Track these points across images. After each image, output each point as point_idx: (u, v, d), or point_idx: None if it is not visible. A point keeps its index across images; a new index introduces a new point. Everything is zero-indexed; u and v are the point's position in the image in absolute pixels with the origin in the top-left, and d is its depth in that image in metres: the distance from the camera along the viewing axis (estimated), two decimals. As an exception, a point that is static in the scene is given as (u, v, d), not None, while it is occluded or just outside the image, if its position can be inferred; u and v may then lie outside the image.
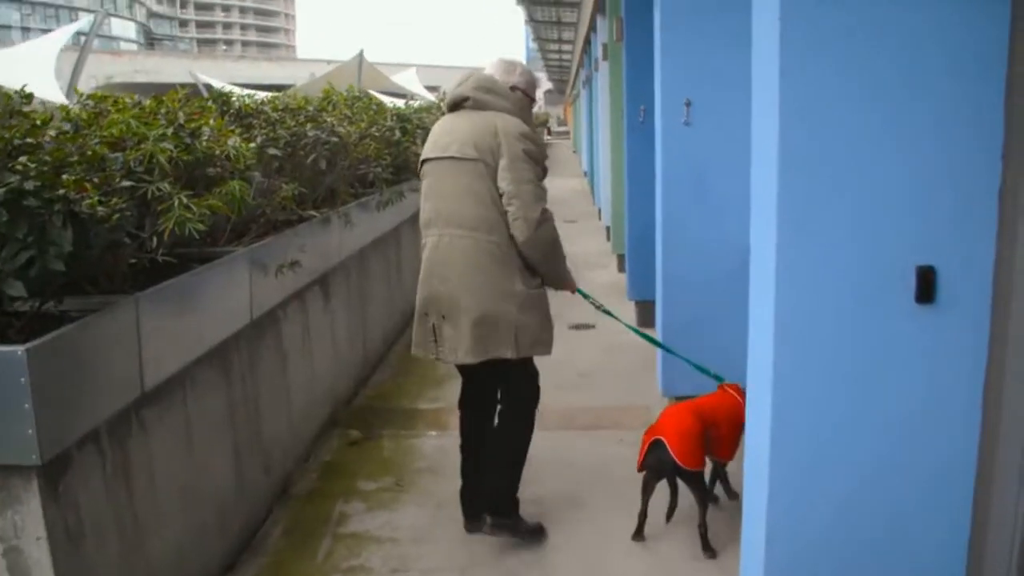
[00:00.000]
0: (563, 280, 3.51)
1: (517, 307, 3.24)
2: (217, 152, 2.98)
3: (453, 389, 5.32)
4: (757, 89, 2.11)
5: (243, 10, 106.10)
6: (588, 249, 9.85)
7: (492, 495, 3.46)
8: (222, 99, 3.95)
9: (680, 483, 3.37)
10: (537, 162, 3.27)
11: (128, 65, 39.18)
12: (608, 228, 9.80)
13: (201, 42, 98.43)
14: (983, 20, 1.87)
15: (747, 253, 4.26)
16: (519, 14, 17.10)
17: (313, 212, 4.10)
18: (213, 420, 3.19)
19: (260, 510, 3.61)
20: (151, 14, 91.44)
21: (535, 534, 3.51)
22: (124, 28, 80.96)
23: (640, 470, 3.37)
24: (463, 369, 3.50)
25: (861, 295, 1.98)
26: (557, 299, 3.69)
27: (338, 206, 4.75)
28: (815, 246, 1.97)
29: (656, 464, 3.32)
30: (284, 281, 3.76)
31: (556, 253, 3.36)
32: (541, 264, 3.32)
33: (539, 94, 3.78)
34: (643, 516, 3.41)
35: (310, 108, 4.64)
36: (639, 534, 3.42)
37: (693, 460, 3.26)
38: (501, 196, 3.21)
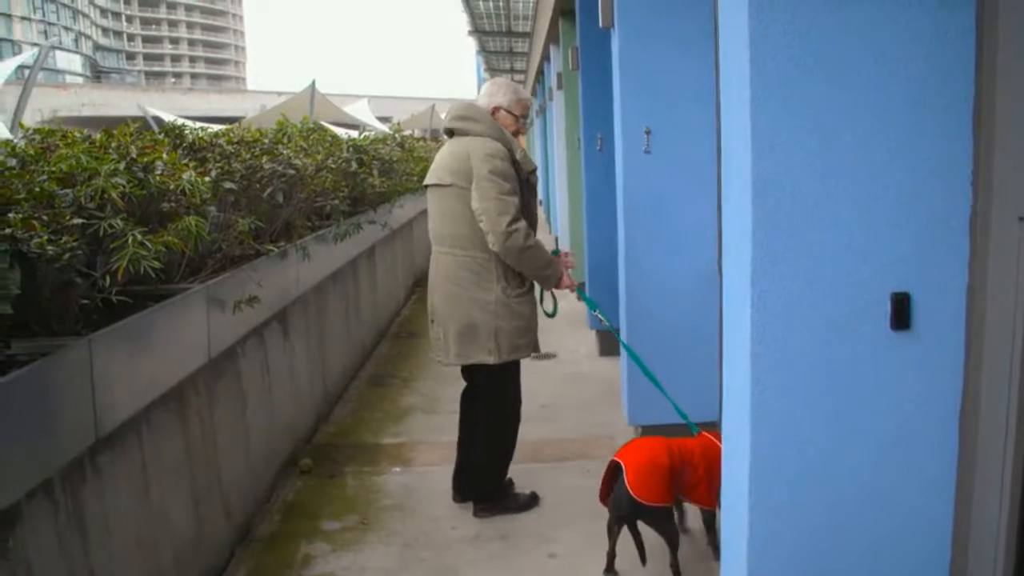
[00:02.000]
0: (548, 280, 3.76)
1: (493, 314, 3.63)
2: (171, 187, 2.90)
3: (416, 423, 5.28)
4: (727, 121, 2.10)
5: (192, 43, 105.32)
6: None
7: (475, 485, 3.97)
8: (175, 132, 3.85)
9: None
10: (505, 178, 3.56)
11: (74, 98, 38.63)
12: (566, 256, 9.78)
13: (149, 75, 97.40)
14: (948, 53, 1.88)
15: (709, 281, 4.30)
16: (471, 45, 17.19)
17: (270, 246, 4.00)
18: (170, 464, 3.07)
19: (221, 556, 3.48)
20: (97, 47, 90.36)
21: (527, 505, 3.98)
22: (70, 61, 79.81)
23: (602, 500, 3.29)
24: (461, 369, 3.94)
25: (837, 323, 1.96)
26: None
27: (295, 239, 4.66)
28: (790, 276, 1.95)
29: (615, 505, 3.19)
30: (242, 317, 3.66)
31: (530, 258, 3.60)
32: (521, 269, 3.66)
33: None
34: (612, 556, 3.31)
35: (265, 141, 4.55)
36: (610, 571, 3.34)
37: (654, 495, 3.11)
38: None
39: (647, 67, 4.23)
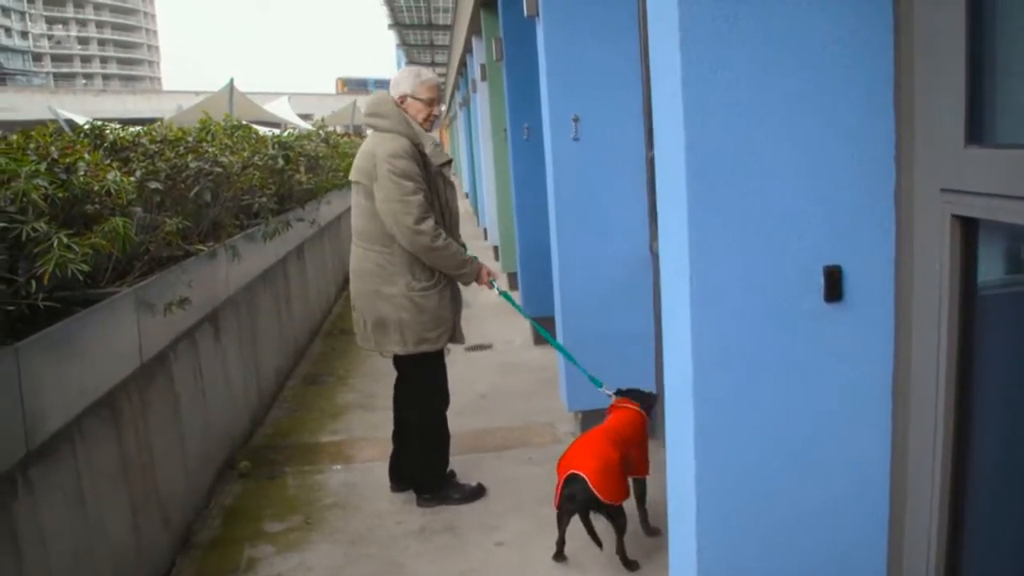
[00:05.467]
0: (464, 278, 3.82)
1: (397, 308, 3.68)
2: (96, 188, 2.81)
3: (353, 420, 5.24)
4: (658, 105, 2.12)
5: (102, 42, 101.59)
6: (478, 269, 9.79)
7: (413, 476, 3.99)
8: (96, 132, 3.74)
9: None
10: (407, 177, 3.54)
11: (-24, 103, 37.03)
12: (496, 247, 9.80)
13: (58, 76, 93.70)
14: (869, 33, 1.94)
15: (641, 265, 4.36)
16: (391, 39, 17.04)
17: (200, 246, 3.92)
18: (105, 474, 2.98)
19: (162, 564, 3.40)
20: (0, 48, 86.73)
21: (473, 496, 3.98)
22: (-32, 64, 76.44)
23: (559, 507, 3.24)
24: (392, 360, 3.98)
25: (774, 298, 2.00)
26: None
27: (223, 239, 4.57)
28: (726, 255, 1.98)
29: (574, 500, 3.16)
30: (173, 320, 3.58)
31: (440, 258, 3.66)
32: (433, 265, 3.70)
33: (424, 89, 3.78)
34: (561, 543, 3.33)
35: (189, 139, 4.45)
36: (560, 556, 3.36)
37: (617, 493, 3.15)
38: None
39: (573, 55, 4.25)
